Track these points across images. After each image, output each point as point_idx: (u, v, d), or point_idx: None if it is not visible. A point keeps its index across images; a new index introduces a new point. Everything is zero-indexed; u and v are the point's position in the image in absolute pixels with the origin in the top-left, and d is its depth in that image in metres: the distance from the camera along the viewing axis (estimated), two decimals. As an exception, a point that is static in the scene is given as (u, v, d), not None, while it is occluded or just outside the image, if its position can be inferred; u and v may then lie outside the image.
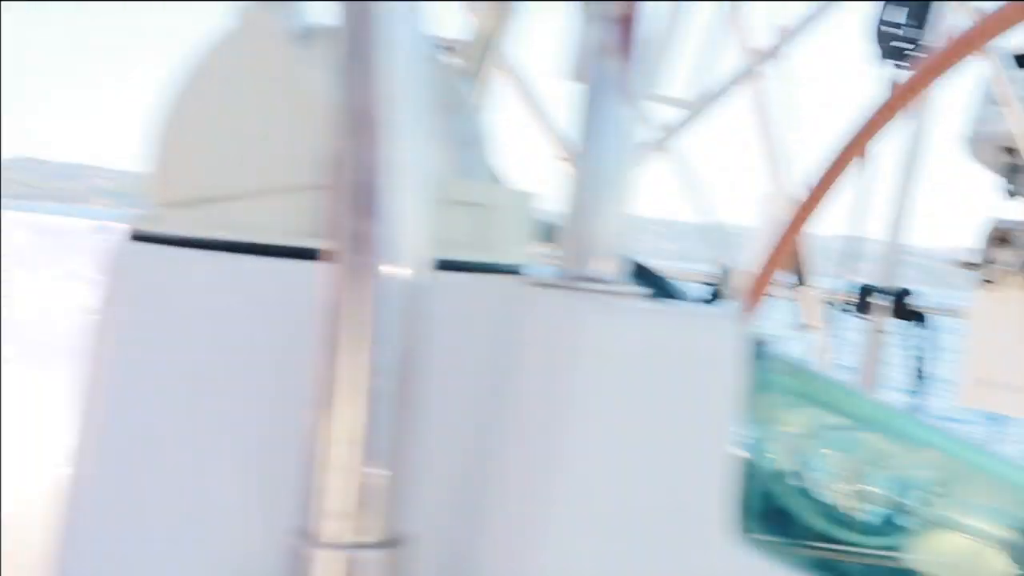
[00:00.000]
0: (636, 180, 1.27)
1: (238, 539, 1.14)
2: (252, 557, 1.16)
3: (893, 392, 5.27)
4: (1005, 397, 4.75)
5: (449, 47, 2.78)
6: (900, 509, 1.28)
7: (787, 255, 3.21)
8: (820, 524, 1.23)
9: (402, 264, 1.02)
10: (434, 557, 1.15)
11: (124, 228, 1.19)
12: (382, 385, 1.03)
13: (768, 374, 1.18)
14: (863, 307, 5.13)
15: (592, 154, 1.23)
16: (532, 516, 1.14)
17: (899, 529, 1.27)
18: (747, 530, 1.12)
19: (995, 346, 4.67)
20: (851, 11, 4.79)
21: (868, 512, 1.27)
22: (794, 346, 5.08)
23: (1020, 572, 1.21)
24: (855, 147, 2.92)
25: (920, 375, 5.10)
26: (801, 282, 4.81)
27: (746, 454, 1.13)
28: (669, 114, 4.59)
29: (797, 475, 1.24)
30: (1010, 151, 4.56)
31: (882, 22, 4.84)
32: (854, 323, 5.26)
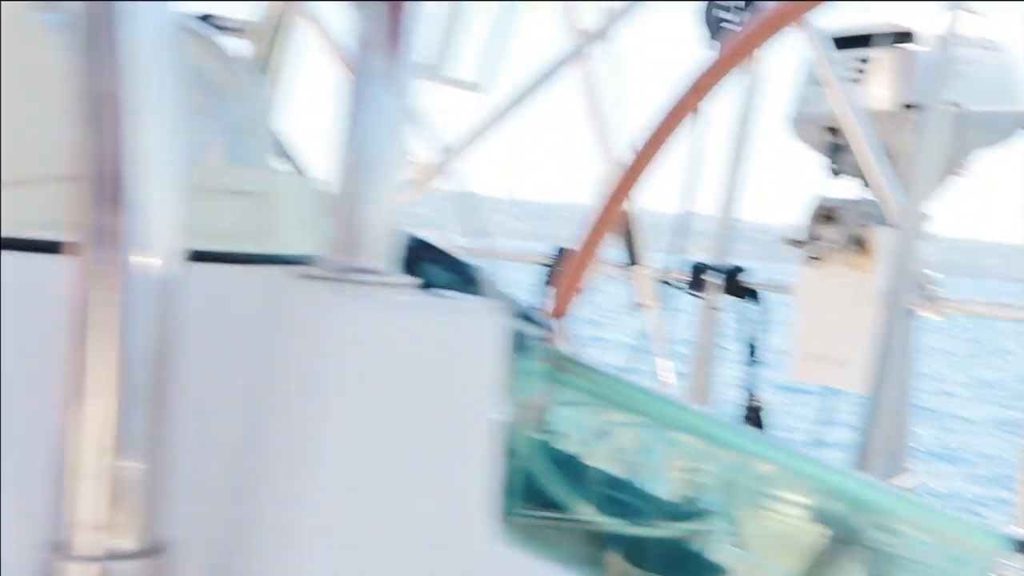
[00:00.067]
0: (403, 168, 1.25)
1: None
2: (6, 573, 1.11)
3: (728, 367, 5.37)
4: (833, 371, 4.87)
5: (237, 29, 2.71)
6: (656, 488, 1.30)
7: (613, 223, 3.23)
8: (578, 504, 1.23)
9: (151, 256, 0.97)
10: (199, 562, 1.11)
11: None
12: (133, 382, 0.99)
13: (531, 363, 1.17)
14: (696, 285, 5.21)
15: (359, 144, 1.21)
16: (291, 517, 1.11)
17: (655, 508, 1.29)
18: (510, 513, 1.11)
19: (822, 321, 4.78)
20: (679, -7, 4.85)
21: (627, 492, 1.28)
22: (630, 325, 5.13)
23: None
24: (675, 117, 2.95)
25: (753, 351, 5.20)
26: (634, 261, 4.86)
27: (507, 441, 1.13)
28: (501, 96, 4.59)
29: (558, 459, 1.24)
30: (833, 131, 4.65)
31: (711, 4, 4.90)
32: (690, 300, 5.34)
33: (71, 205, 0.97)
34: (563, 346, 3.11)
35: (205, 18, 2.42)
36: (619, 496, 1.25)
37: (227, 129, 1.44)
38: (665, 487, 1.26)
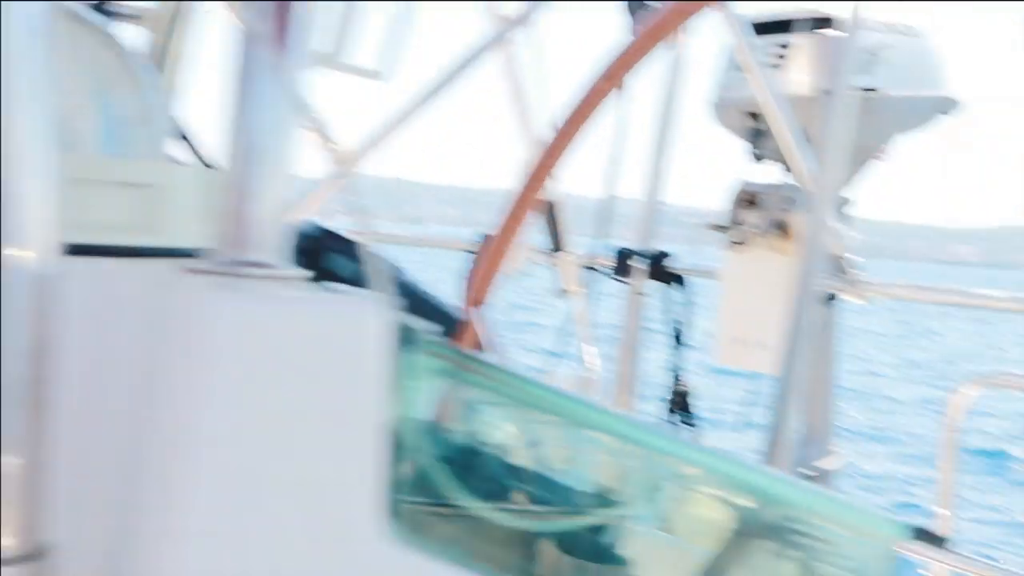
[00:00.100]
0: (295, 157, 1.23)
1: None
2: None
3: (655, 352, 5.39)
4: (757, 355, 4.90)
5: (134, 16, 2.66)
6: (556, 482, 1.29)
7: (532, 207, 3.21)
8: (470, 497, 1.22)
9: (26, 249, 0.94)
10: (83, 563, 1.08)
11: None
12: (9, 378, 0.96)
13: (419, 358, 1.15)
14: (622, 270, 5.22)
15: (246, 137, 1.18)
16: (176, 516, 1.09)
17: (555, 500, 1.28)
18: (398, 508, 1.10)
19: (746, 306, 4.81)
20: (604, -22, 4.84)
21: (526, 484, 1.27)
22: (555, 312, 5.13)
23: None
24: (590, 100, 2.94)
25: (679, 336, 5.22)
26: (558, 247, 4.85)
27: (395, 435, 1.11)
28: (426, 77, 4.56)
29: (450, 452, 1.23)
30: (754, 116, 4.67)
31: (633, -10, 4.90)
32: (616, 286, 5.35)
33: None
34: (480, 336, 3.10)
35: (99, 5, 2.37)
36: (516, 488, 1.24)
37: (118, 120, 1.40)
38: (565, 480, 1.25)
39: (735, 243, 4.85)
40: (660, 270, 5.23)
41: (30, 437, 0.94)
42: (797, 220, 4.64)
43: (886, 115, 4.78)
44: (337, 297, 1.27)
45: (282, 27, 1.15)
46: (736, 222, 4.83)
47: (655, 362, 5.52)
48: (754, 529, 1.26)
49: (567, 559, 1.27)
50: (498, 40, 4.44)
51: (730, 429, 5.18)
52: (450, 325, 1.94)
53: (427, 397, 1.21)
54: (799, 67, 4.53)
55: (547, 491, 1.27)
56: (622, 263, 5.21)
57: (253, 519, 1.05)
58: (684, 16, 2.37)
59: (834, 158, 3.41)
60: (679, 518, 1.31)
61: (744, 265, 4.79)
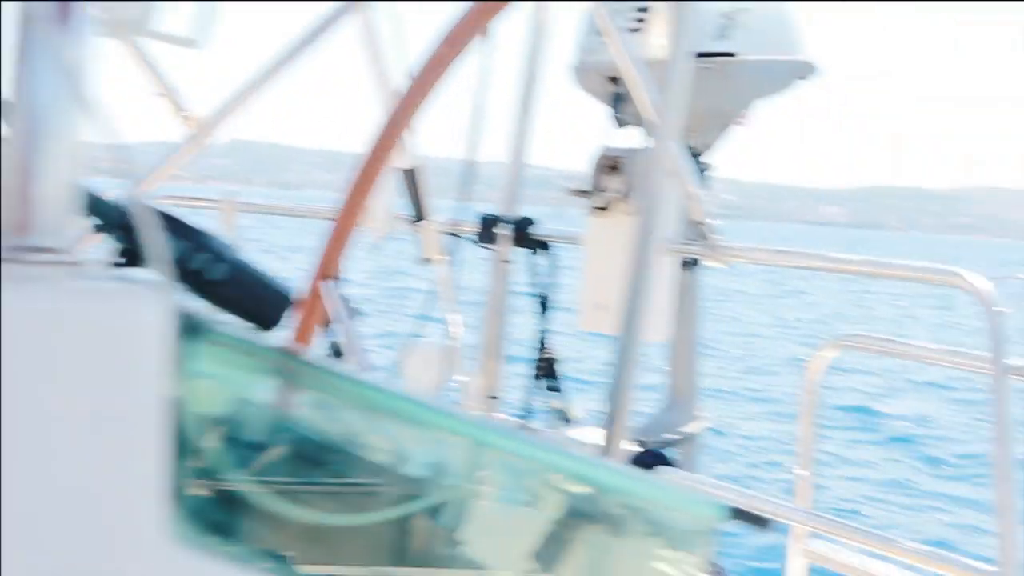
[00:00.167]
0: (80, 145, 1.15)
1: None
2: None
3: (522, 319, 5.36)
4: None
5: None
6: (360, 470, 1.24)
7: (382, 173, 3.13)
8: (260, 486, 1.16)
9: None
10: None
11: None
12: None
13: (204, 346, 1.09)
14: (486, 237, 5.17)
15: (28, 115, 1.10)
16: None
17: (356, 489, 1.23)
18: (183, 500, 1.03)
19: (608, 272, 4.79)
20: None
21: (325, 473, 1.22)
22: (419, 281, 5.06)
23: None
24: (436, 63, 2.87)
25: (545, 303, 5.20)
26: (420, 216, 4.78)
27: (179, 425, 1.04)
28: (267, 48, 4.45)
29: (240, 442, 1.17)
30: (615, 80, 4.65)
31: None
32: (482, 252, 5.30)
33: None
34: (329, 311, 3.02)
35: None
36: (315, 478, 1.18)
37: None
38: (371, 469, 1.20)
39: (597, 208, 4.83)
40: (525, 236, 5.19)
41: None
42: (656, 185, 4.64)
43: (745, 80, 4.81)
44: (118, 284, 1.18)
45: (66, 4, 1.08)
46: (598, 188, 4.81)
47: (522, 328, 5.49)
48: (574, 515, 1.23)
49: (389, 546, 1.22)
50: (352, 3, 4.34)
51: (600, 392, 5.17)
52: (283, 304, 1.86)
53: (225, 389, 1.14)
54: (659, 31, 4.52)
55: (365, 479, 1.22)
56: (487, 230, 5.16)
57: (32, 516, 0.98)
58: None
59: (673, 123, 3.38)
60: (501, 509, 1.27)
61: (606, 230, 4.77)
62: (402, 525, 1.20)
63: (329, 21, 4.33)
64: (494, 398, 5.29)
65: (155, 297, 1.03)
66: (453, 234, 5.03)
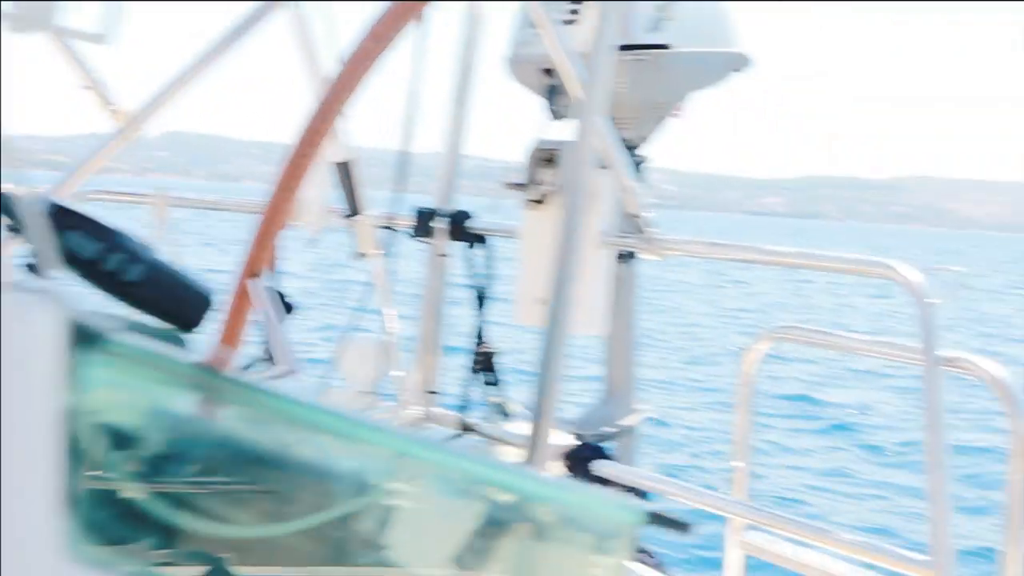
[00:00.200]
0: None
1: None
2: None
3: (457, 312, 5.34)
4: (558, 314, 4.86)
5: None
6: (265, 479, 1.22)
7: (306, 170, 3.08)
8: (160, 499, 1.13)
9: None
10: None
11: None
12: None
13: (98, 356, 1.05)
14: (422, 231, 5.13)
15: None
16: None
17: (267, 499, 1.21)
18: (79, 514, 0.99)
19: (544, 265, 4.77)
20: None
21: (235, 482, 1.19)
22: (361, 274, 5.01)
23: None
24: (362, 56, 2.83)
25: (482, 297, 5.17)
26: (355, 211, 4.73)
27: (72, 438, 1.00)
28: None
29: (135, 454, 1.14)
30: (549, 72, 4.63)
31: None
32: (417, 246, 5.26)
33: None
34: (256, 309, 2.97)
35: None
36: (224, 486, 1.15)
37: None
38: (287, 478, 1.17)
39: (532, 201, 4.80)
40: (461, 230, 5.16)
41: None
42: (593, 179, 4.62)
43: (679, 72, 4.80)
44: (5, 296, 1.14)
45: None
46: (533, 180, 4.79)
47: (460, 323, 5.46)
48: (494, 522, 1.21)
49: (309, 552, 1.20)
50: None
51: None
52: (203, 305, 1.82)
53: (127, 399, 1.10)
54: (591, 24, 4.50)
55: (278, 487, 1.18)
56: (423, 223, 5.13)
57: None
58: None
59: (594, 115, 3.37)
60: (423, 515, 1.24)
61: (541, 223, 4.75)
62: (321, 532, 1.17)
63: (258, 14, 4.27)
64: (432, 392, 5.26)
65: (47, 306, 0.99)
66: (389, 228, 4.98)
